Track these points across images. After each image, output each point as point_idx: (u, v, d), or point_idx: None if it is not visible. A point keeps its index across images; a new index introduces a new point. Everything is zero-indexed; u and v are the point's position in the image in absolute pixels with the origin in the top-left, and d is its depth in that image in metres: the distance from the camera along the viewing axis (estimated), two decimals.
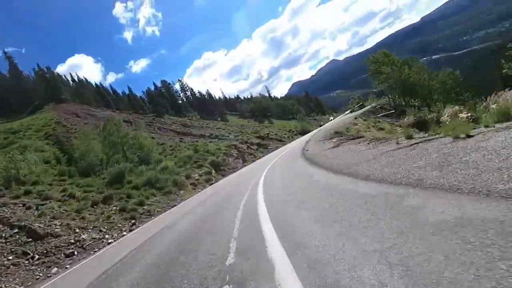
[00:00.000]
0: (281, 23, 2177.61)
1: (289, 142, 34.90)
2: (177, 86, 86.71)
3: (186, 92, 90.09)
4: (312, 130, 49.46)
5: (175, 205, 13.25)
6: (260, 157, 26.07)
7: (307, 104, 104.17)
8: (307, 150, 13.29)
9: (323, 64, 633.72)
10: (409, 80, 21.34)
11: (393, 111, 18.69)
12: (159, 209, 12.91)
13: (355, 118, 18.40)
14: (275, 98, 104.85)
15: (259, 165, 17.34)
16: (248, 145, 29.45)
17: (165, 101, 72.10)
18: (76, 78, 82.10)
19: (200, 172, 20.07)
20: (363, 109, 26.26)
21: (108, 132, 21.81)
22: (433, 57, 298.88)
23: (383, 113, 17.98)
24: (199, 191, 16.64)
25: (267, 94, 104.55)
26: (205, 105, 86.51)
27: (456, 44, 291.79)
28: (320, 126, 53.14)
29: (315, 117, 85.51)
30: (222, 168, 22.15)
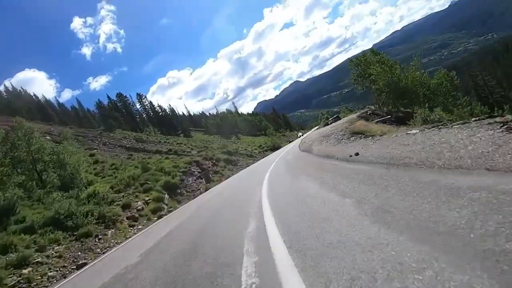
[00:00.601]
0: (246, 45, 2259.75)
1: (262, 158, 30.64)
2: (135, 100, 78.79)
3: (145, 107, 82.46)
4: (283, 146, 45.99)
5: (85, 265, 7.62)
6: (229, 176, 21.13)
7: (275, 120, 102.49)
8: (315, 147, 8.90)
9: (287, 85, 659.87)
10: (402, 82, 19.06)
11: (388, 116, 15.46)
12: (51, 274, 7.19)
13: (352, 123, 14.77)
14: (242, 114, 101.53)
15: (233, 188, 12.50)
16: (214, 161, 24.33)
17: (118, 115, 63.99)
18: (10, 89, 70.49)
19: (147, 198, 14.46)
20: (348, 118, 23.09)
21: (12, 145, 15.32)
22: None
23: (379, 119, 14.58)
24: (140, 228, 11.11)
25: (234, 110, 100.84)
26: (167, 121, 79.56)
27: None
28: (290, 142, 49.91)
29: (284, 133, 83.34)
30: (179, 191, 16.71)
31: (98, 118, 67.25)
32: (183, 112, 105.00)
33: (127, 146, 31.29)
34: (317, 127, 64.64)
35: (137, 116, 77.75)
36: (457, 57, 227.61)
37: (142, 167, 18.98)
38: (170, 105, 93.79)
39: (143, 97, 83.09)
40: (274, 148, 48.48)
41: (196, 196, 15.98)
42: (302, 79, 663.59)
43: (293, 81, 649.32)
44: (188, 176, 18.43)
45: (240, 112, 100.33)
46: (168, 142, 36.41)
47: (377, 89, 21.14)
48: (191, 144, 36.38)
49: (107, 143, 31.69)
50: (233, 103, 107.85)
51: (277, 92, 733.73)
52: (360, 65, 24.85)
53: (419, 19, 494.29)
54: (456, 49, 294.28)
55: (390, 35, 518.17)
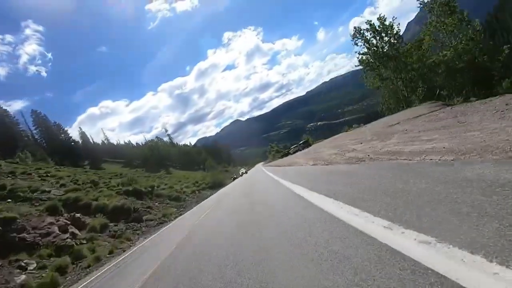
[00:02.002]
0: (189, 81, 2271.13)
1: (195, 204, 18.46)
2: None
3: (42, 129, 61.41)
4: (228, 183, 34.59)
5: None
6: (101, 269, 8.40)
7: (217, 154, 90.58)
8: None
9: (227, 123, 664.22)
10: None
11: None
12: None
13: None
14: (178, 145, 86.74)
15: None
16: (82, 218, 11.11)
17: None
18: None
19: None
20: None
21: None
22: (318, 123, 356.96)
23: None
24: None
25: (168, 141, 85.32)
26: (71, 150, 59.68)
27: (335, 115, 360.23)
28: (234, 178, 38.89)
29: (227, 168, 71.61)
30: None
31: None
32: (102, 141, 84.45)
33: None
34: (262, 163, 56.06)
35: (26, 138, 56.30)
36: (376, 107, 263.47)
37: None
38: (80, 130, 73.53)
39: (41, 115, 62.15)
40: (215, 185, 36.35)
41: None
42: (243, 118, 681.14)
43: (233, 120, 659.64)
44: None
45: (175, 143, 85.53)
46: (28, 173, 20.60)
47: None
48: (69, 178, 21.21)
49: None
50: (168, 135, 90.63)
51: (218, 130, 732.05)
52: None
53: (344, 74, 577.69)
54: (372, 101, 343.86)
55: (320, 84, 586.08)
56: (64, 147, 54.98)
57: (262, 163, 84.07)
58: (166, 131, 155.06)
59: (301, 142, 37.35)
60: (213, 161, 62.53)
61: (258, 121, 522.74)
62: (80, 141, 74.26)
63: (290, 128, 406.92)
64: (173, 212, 15.89)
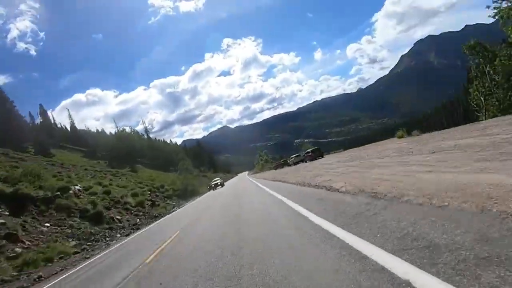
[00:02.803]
0: (182, 81, 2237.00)
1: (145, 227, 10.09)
2: None
3: None
4: (204, 193, 26.37)
5: None
6: None
7: (198, 156, 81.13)
8: None
9: (215, 128, 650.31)
10: None
11: None
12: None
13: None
14: (154, 139, 76.57)
15: None
16: None
17: None
18: None
19: None
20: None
21: None
22: (305, 140, 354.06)
23: None
24: None
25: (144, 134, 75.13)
26: (18, 129, 48.79)
27: (323, 133, 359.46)
28: (211, 187, 29.04)
29: (206, 173, 62.52)
30: None
31: None
32: (70, 125, 72.41)
33: None
34: (247, 172, 47.66)
35: None
36: (362, 132, 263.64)
37: None
38: (41, 108, 62.64)
39: None
40: (186, 194, 27.91)
41: None
42: (232, 126, 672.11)
43: (222, 126, 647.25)
44: None
45: (151, 137, 75.29)
46: None
47: None
48: None
49: None
50: (145, 127, 78.35)
51: (205, 133, 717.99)
52: None
53: (335, 95, 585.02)
54: (361, 125, 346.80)
55: (312, 102, 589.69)
56: (5, 125, 44.27)
57: (247, 172, 75.76)
58: (144, 123, 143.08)
59: (309, 150, 27.99)
60: (191, 163, 53.37)
61: (247, 130, 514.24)
62: (39, 121, 63.44)
63: (277, 141, 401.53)
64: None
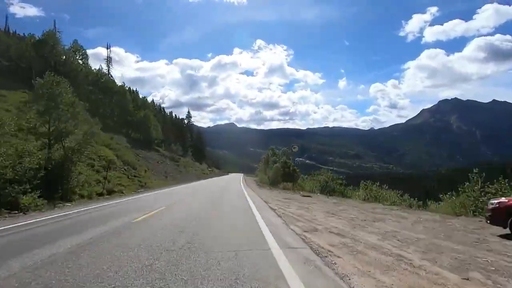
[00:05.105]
0: (204, 67, 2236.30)
1: None
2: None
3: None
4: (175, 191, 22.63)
5: None
6: None
7: (180, 129, 73.68)
8: None
9: (223, 122, 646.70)
10: None
11: None
12: None
13: None
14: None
15: None
16: None
17: None
18: None
19: None
20: None
21: None
22: (306, 161, 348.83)
23: None
24: None
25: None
26: None
27: (325, 160, 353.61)
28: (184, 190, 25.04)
29: (185, 159, 57.87)
30: None
31: None
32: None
33: None
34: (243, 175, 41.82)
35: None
36: (365, 171, 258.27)
37: None
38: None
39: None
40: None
41: None
42: (238, 125, 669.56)
43: (229, 122, 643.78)
44: None
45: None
46: None
47: None
48: None
49: None
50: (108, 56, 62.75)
51: (211, 124, 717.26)
52: None
53: (347, 127, 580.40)
54: (365, 164, 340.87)
55: (322, 127, 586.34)
56: None
57: (242, 175, 69.93)
58: (163, 102, 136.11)
59: None
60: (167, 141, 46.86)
61: (251, 133, 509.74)
62: None
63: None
64: None
